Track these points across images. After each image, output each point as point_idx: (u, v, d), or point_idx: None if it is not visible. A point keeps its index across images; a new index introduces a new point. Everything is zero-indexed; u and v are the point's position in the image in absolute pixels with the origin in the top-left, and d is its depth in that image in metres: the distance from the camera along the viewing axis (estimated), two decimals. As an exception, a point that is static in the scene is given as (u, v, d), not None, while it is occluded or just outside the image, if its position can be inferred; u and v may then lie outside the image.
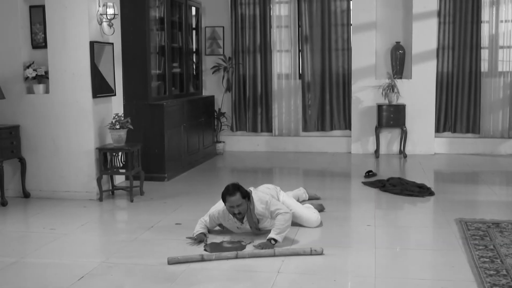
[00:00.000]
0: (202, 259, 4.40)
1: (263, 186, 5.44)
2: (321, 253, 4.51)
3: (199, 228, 4.95)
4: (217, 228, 5.16)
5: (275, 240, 4.65)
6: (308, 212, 5.34)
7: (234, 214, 4.84)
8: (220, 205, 5.00)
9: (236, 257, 4.46)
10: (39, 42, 6.78)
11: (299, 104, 9.93)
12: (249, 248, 4.66)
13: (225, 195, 4.80)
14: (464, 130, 9.50)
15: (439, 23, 9.33)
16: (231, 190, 4.78)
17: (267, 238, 4.69)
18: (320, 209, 5.77)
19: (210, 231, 5.06)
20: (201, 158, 8.86)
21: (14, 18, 6.61)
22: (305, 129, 9.93)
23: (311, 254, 4.50)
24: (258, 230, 4.97)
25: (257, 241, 4.76)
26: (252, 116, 10.03)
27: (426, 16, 9.24)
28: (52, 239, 5.05)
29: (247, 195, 4.85)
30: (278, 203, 5.01)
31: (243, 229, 5.02)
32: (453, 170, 8.35)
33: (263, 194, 5.05)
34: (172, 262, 4.34)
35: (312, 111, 9.86)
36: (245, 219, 4.93)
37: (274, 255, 4.48)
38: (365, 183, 7.17)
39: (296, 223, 5.23)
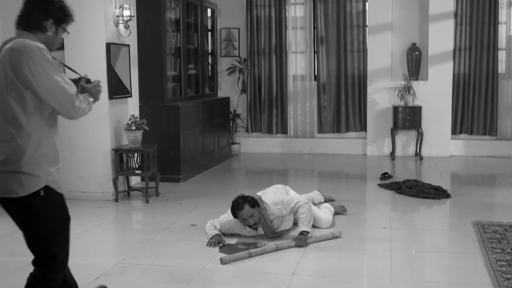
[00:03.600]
0: (249, 256, 4.50)
1: (272, 188, 5.46)
2: (340, 236, 4.95)
3: (212, 231, 4.94)
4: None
5: (306, 232, 4.83)
6: (319, 212, 5.37)
7: (250, 226, 4.85)
8: (231, 216, 4.97)
9: (277, 249, 4.65)
10: (56, 44, 6.83)
11: (315, 106, 9.91)
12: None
13: (235, 211, 4.80)
14: (481, 132, 9.42)
15: (456, 24, 9.27)
16: (240, 204, 4.77)
17: (299, 232, 4.84)
18: (342, 210, 5.80)
19: (224, 233, 5.05)
20: (216, 160, 8.88)
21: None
22: (321, 130, 9.91)
23: (333, 238, 4.91)
24: (274, 234, 4.97)
25: (274, 242, 4.77)
26: (267, 117, 10.03)
27: (442, 17, 9.18)
28: (68, 240, 5.07)
29: (255, 203, 4.84)
30: (293, 198, 5.06)
31: (259, 233, 5.02)
32: (469, 173, 8.29)
33: (276, 195, 5.09)
34: (225, 262, 4.38)
35: (328, 113, 9.84)
36: (259, 227, 4.93)
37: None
38: (380, 185, 7.14)
39: None
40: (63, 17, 2.86)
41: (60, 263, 2.89)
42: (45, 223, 2.78)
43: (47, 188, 2.76)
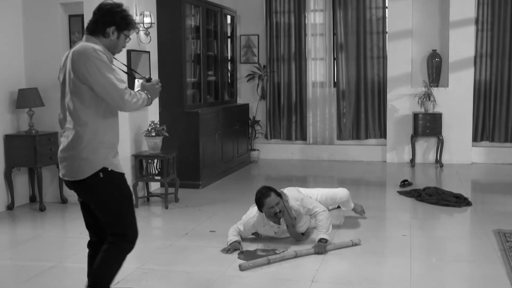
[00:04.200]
0: (268, 262, 4.50)
1: (284, 190, 5.48)
2: (360, 244, 4.93)
3: (232, 237, 4.95)
4: (251, 236, 5.16)
5: (325, 240, 4.81)
6: (334, 189, 5.62)
7: (275, 214, 4.86)
8: (252, 212, 5.02)
9: (296, 256, 4.63)
10: (78, 51, 6.91)
11: (334, 113, 9.89)
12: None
13: (261, 199, 4.84)
14: (502, 139, 9.32)
15: (477, 30, 9.19)
16: (265, 192, 4.86)
17: (317, 239, 4.82)
18: (361, 210, 5.86)
19: (243, 239, 5.06)
20: (236, 166, 8.89)
21: (53, 27, 6.76)
22: (340, 137, 9.88)
23: (352, 246, 4.90)
24: (294, 229, 4.99)
25: (293, 249, 4.76)
26: (287, 124, 10.03)
27: (463, 23, 9.11)
28: (88, 245, 5.11)
29: (279, 194, 4.93)
30: (312, 201, 5.11)
31: (280, 234, 5.03)
32: (491, 180, 8.20)
33: (296, 192, 5.18)
34: (244, 268, 4.39)
35: (347, 120, 9.81)
36: (282, 220, 4.94)
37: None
38: (400, 193, 7.09)
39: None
40: (125, 25, 3.27)
41: (131, 234, 3.32)
42: (109, 202, 3.22)
43: (105, 170, 3.17)
